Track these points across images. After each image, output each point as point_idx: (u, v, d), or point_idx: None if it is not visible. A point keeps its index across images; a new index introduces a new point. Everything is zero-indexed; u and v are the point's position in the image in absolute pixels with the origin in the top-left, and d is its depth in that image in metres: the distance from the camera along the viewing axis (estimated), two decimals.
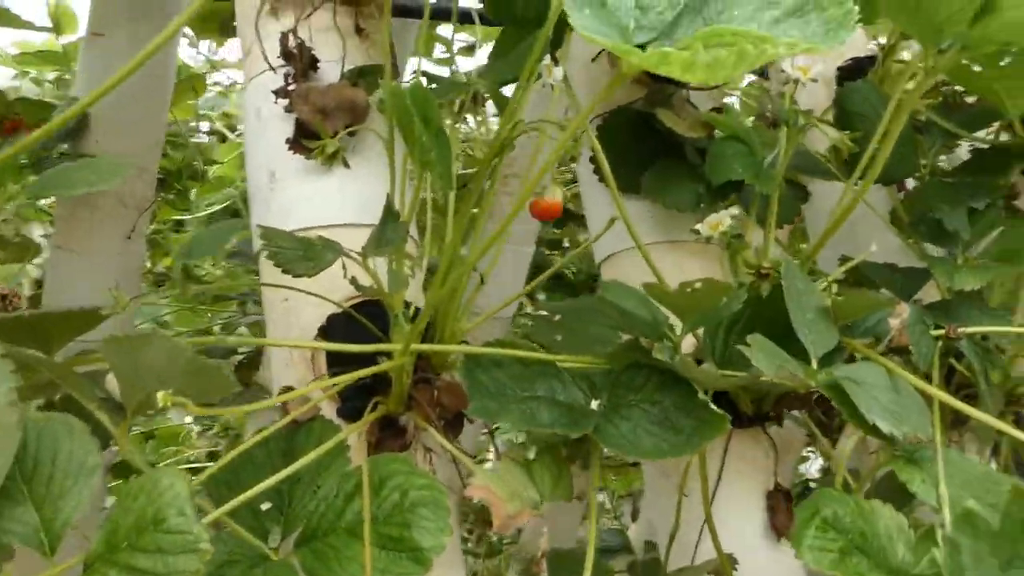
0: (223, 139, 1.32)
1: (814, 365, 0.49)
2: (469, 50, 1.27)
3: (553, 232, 1.36)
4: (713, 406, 0.46)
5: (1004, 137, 0.71)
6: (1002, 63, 0.56)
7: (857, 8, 0.35)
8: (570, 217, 1.29)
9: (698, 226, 0.59)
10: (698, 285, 0.46)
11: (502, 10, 0.55)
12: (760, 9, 0.36)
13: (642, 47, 0.35)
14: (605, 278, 0.70)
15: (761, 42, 0.33)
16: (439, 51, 1.35)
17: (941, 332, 0.60)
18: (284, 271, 0.44)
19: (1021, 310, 0.71)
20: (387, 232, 0.45)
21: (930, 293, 0.73)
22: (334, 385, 0.47)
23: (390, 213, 0.46)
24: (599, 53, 0.68)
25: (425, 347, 0.47)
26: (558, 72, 0.51)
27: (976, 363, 0.62)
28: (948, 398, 0.49)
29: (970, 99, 0.76)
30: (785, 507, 0.64)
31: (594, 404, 0.48)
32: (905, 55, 0.78)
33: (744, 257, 0.54)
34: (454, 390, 0.50)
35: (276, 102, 0.54)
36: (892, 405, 0.48)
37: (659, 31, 0.35)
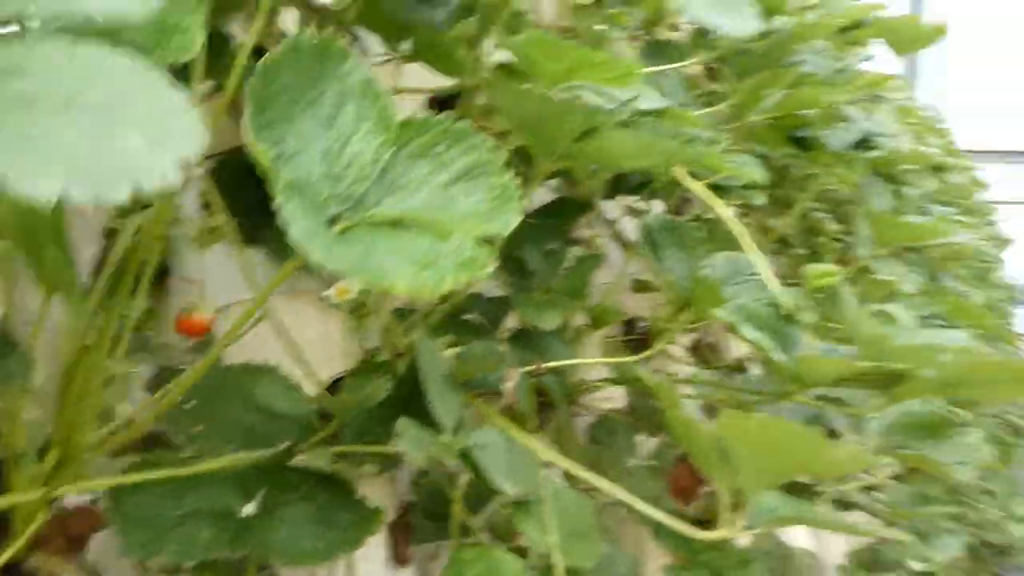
0: None
1: (449, 435, 0.55)
2: None
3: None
4: (368, 502, 0.49)
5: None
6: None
7: (516, 182, 0.39)
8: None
9: (327, 293, 0.60)
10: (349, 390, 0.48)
11: None
12: (433, 172, 0.38)
13: (335, 219, 0.35)
14: (221, 330, 0.67)
15: (448, 230, 0.35)
16: None
17: (531, 368, 0.71)
18: None
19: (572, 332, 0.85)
20: (7, 366, 0.39)
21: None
22: None
23: (6, 342, 0.39)
24: (211, 91, 0.64)
25: (60, 491, 0.42)
26: None
27: (556, 391, 0.74)
28: (549, 452, 0.59)
29: None
30: (404, 538, 0.70)
31: (250, 507, 0.48)
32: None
33: (385, 333, 0.57)
34: (86, 514, 0.45)
35: None
36: (510, 465, 0.56)
37: (352, 202, 0.35)
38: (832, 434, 0.83)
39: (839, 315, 0.72)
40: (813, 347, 0.72)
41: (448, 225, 0.36)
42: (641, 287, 1.16)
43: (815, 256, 1.55)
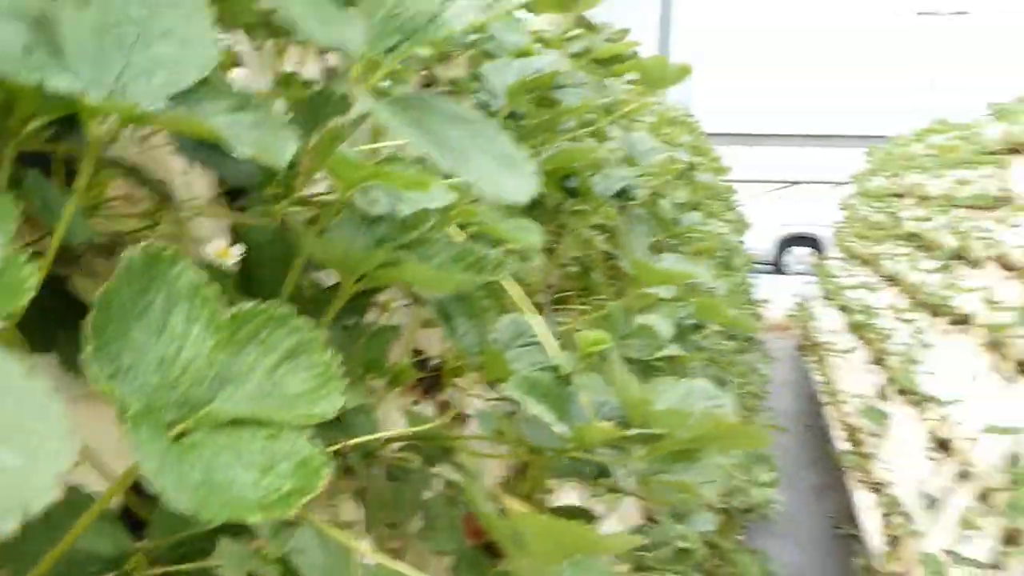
0: None
1: (268, 541, 0.58)
2: None
3: None
4: None
5: None
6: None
7: (337, 360, 0.44)
8: None
9: None
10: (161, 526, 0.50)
11: None
12: (259, 357, 0.42)
13: (172, 424, 0.38)
14: None
15: (279, 421, 0.39)
16: None
17: (337, 448, 0.75)
18: None
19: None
20: None
21: None
22: None
23: None
24: None
25: None
26: None
27: (357, 460, 0.79)
28: (362, 544, 0.64)
29: None
30: None
31: None
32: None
33: None
34: None
35: None
36: (326, 565, 0.60)
37: (188, 406, 0.38)
38: (604, 472, 0.95)
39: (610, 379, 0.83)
40: (589, 405, 0.83)
41: (278, 413, 0.40)
42: (430, 323, 1.22)
43: (587, 270, 1.69)
